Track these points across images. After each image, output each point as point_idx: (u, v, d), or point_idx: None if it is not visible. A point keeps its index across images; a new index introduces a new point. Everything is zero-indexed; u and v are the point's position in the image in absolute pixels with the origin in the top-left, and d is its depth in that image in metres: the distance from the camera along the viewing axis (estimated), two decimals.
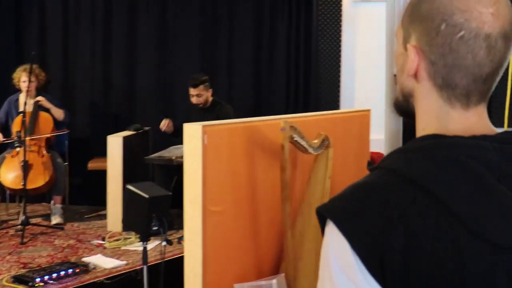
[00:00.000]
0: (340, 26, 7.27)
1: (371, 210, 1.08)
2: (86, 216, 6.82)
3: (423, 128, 1.17)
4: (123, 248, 5.55)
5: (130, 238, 5.79)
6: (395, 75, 1.62)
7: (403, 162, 1.11)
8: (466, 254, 1.04)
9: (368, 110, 6.86)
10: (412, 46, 1.15)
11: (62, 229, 6.18)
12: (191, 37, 7.42)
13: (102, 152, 7.11)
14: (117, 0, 7.44)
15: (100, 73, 7.51)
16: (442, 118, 1.15)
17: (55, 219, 6.35)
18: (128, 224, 3.62)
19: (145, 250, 3.55)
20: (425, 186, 1.06)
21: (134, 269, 4.98)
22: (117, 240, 5.76)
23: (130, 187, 3.51)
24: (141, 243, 5.59)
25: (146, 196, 3.42)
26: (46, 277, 4.55)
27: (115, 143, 6.14)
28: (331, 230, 1.11)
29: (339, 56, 7.30)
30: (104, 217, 6.78)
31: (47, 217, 6.65)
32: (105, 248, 5.53)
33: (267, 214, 5.36)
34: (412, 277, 1.05)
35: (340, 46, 7.29)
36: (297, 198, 5.48)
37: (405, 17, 1.19)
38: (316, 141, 5.39)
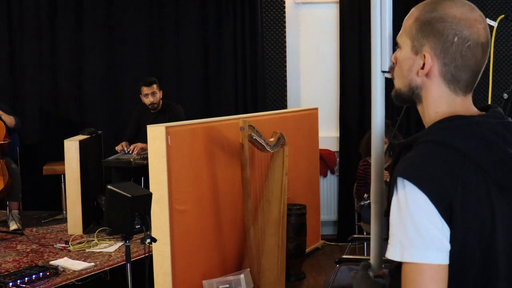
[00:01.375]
0: (284, 27, 7.48)
1: (438, 171, 1.54)
2: (43, 221, 6.83)
3: (436, 111, 1.69)
4: (87, 250, 5.62)
5: (93, 240, 5.86)
6: (383, 72, 1.93)
7: (447, 136, 1.59)
8: (492, 196, 1.57)
9: (316, 109, 7.13)
10: (427, 52, 1.66)
11: (21, 234, 6.19)
12: (137, 41, 7.48)
13: (54, 157, 7.17)
14: (62, 5, 7.42)
15: (47, 79, 7.49)
16: (450, 103, 1.68)
17: (13, 225, 6.35)
18: (111, 223, 3.72)
19: (128, 248, 3.67)
20: (466, 153, 1.56)
21: (102, 270, 5.06)
22: (80, 243, 5.82)
23: (111, 187, 3.62)
24: (104, 245, 5.74)
25: (129, 195, 3.54)
26: (18, 281, 4.60)
27: (72, 147, 6.19)
28: (412, 189, 1.54)
29: (284, 56, 7.50)
30: (61, 221, 6.83)
31: (2, 223, 6.65)
32: (69, 251, 5.59)
33: (228, 211, 5.55)
34: (465, 215, 1.54)
35: (285, 47, 7.50)
36: (256, 196, 5.68)
37: (415, 32, 1.69)
38: (272, 139, 5.61)
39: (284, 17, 7.47)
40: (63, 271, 4.98)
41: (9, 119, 6.55)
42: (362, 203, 5.78)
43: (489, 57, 1.74)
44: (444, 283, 1.54)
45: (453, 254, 1.54)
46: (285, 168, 5.77)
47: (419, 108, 1.77)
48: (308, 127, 6.94)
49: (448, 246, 1.54)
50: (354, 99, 7.39)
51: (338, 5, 7.42)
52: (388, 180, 5.30)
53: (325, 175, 7.51)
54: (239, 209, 5.62)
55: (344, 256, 4.57)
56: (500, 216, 1.59)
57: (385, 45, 1.96)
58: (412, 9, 1.75)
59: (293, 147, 5.94)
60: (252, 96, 7.42)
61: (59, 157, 7.00)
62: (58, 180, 7.04)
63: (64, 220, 6.81)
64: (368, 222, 6.10)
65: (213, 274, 5.28)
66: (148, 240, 3.82)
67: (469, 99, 1.70)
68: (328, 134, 7.51)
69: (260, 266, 5.47)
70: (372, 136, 2.06)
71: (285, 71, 7.52)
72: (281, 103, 7.52)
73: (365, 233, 6.01)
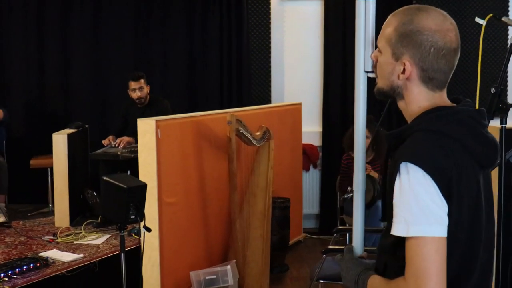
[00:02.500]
0: (269, 23, 7.58)
1: (437, 154, 1.79)
2: (29, 214, 6.87)
3: (418, 106, 1.95)
4: (75, 242, 5.69)
5: (80, 232, 5.93)
6: (366, 72, 2.14)
7: (437, 124, 1.85)
8: (477, 175, 1.86)
9: (300, 104, 7.24)
10: (407, 60, 1.91)
11: (9, 227, 6.24)
12: (124, 35, 7.54)
13: (40, 151, 7.22)
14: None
15: (34, 72, 7.53)
16: (430, 98, 1.94)
17: (0, 218, 6.39)
18: (106, 213, 3.80)
19: (122, 238, 3.74)
20: (456, 137, 1.82)
21: (92, 261, 5.14)
22: (68, 235, 5.89)
23: (107, 178, 3.70)
24: (92, 237, 5.82)
25: (125, 186, 3.62)
26: (9, 272, 4.66)
27: (60, 141, 6.24)
28: (415, 171, 1.77)
29: (269, 52, 7.61)
30: (47, 214, 6.89)
31: None
32: (57, 243, 5.65)
33: (215, 204, 5.66)
34: (460, 193, 1.79)
35: (269, 42, 7.60)
36: (242, 189, 5.78)
37: (394, 41, 1.93)
38: (258, 133, 5.72)
39: (269, 13, 7.57)
40: (53, 262, 5.04)
41: None
42: (345, 196, 5.90)
43: (478, 54, 1.96)
44: (445, 253, 1.77)
45: (449, 228, 1.79)
46: (270, 162, 5.88)
47: (400, 103, 2.01)
48: (292, 121, 7.06)
49: (446, 221, 1.79)
50: (337, 94, 7.52)
51: (322, 1, 7.54)
52: (369, 173, 5.43)
53: (307, 169, 7.63)
54: (225, 201, 5.72)
55: (330, 247, 4.67)
56: (483, 192, 1.89)
57: (368, 47, 2.14)
58: (390, 17, 1.98)
59: (277, 141, 6.05)
60: (237, 90, 7.52)
61: (46, 150, 7.06)
62: (44, 173, 7.09)
63: (50, 213, 6.88)
64: (350, 215, 6.21)
65: (200, 265, 5.37)
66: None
67: (444, 93, 1.97)
68: (311, 129, 7.63)
69: (245, 258, 5.58)
70: (355, 130, 2.24)
71: (270, 66, 7.62)
72: (265, 98, 7.63)
73: (347, 225, 6.13)
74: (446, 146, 1.81)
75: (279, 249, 6.12)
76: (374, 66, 2.07)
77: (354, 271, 2.03)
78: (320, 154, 7.61)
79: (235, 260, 5.42)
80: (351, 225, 6.05)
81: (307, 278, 6.01)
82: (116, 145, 6.56)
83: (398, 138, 1.94)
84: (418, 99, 1.94)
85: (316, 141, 7.64)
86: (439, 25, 1.90)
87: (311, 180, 7.68)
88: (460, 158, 1.82)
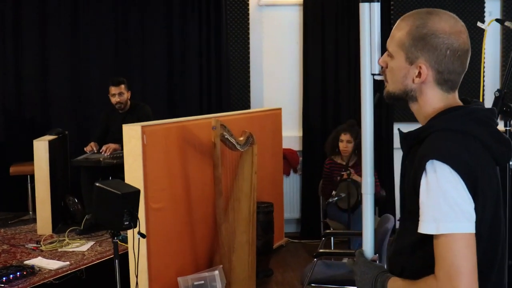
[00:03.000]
0: (248, 29, 7.60)
1: (462, 152, 1.81)
2: (10, 222, 6.80)
3: (432, 107, 1.96)
4: (60, 250, 5.64)
5: (64, 240, 5.88)
6: (373, 74, 2.15)
7: (455, 124, 1.87)
8: (495, 171, 1.92)
9: (280, 109, 7.27)
10: (423, 64, 1.93)
11: None
12: (102, 40, 7.49)
13: (18, 158, 7.15)
14: (27, 5, 7.40)
15: (11, 78, 7.45)
16: (444, 100, 1.96)
17: None
18: (100, 219, 3.77)
19: (116, 244, 3.73)
20: (475, 135, 1.86)
21: (78, 268, 5.10)
22: (51, 242, 5.84)
23: (100, 185, 3.68)
24: (76, 244, 5.78)
25: (119, 192, 3.61)
26: None
27: (41, 147, 6.18)
28: (443, 169, 1.79)
29: (248, 57, 7.62)
30: (27, 222, 6.82)
31: None
32: (42, 251, 5.60)
33: (200, 209, 5.66)
34: (484, 190, 1.83)
35: (248, 48, 7.61)
36: (227, 194, 5.78)
37: (408, 45, 1.94)
38: (241, 138, 5.73)
39: (248, 18, 7.60)
40: (39, 270, 5.00)
41: None
42: (330, 200, 5.94)
43: (481, 59, 2.00)
44: (475, 249, 1.79)
45: (476, 224, 1.81)
46: (254, 167, 5.89)
47: (412, 106, 2.03)
48: (272, 126, 7.08)
49: (474, 217, 1.80)
50: (316, 99, 7.55)
51: (301, 7, 7.57)
52: (352, 178, 5.46)
53: (288, 174, 7.65)
54: (210, 207, 5.72)
55: (321, 250, 4.71)
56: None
57: (375, 50, 2.15)
58: (400, 22, 2.00)
59: (258, 146, 6.04)
60: (217, 95, 7.52)
61: (25, 157, 7.00)
62: (24, 180, 7.01)
63: (31, 220, 6.82)
64: (334, 219, 6.29)
65: (187, 271, 5.36)
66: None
67: (457, 94, 2.00)
68: (291, 134, 7.65)
69: (231, 263, 5.58)
70: (362, 133, 2.25)
71: (249, 71, 7.64)
72: (245, 103, 7.64)
73: (331, 229, 6.18)
74: (469, 144, 1.84)
75: (264, 254, 6.13)
76: (383, 71, 2.07)
77: (370, 274, 2.02)
78: (300, 158, 7.64)
79: (221, 266, 5.42)
80: (335, 228, 6.12)
81: (292, 282, 6.04)
82: (102, 152, 6.49)
83: (415, 139, 1.95)
84: (433, 101, 1.96)
85: (296, 145, 7.67)
86: (452, 27, 1.92)
87: (291, 185, 7.71)
88: (482, 156, 1.85)
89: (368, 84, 2.18)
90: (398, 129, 2.21)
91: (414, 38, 1.93)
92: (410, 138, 1.98)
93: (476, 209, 1.81)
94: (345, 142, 6.32)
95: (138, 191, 3.78)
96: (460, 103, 1.98)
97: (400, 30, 1.98)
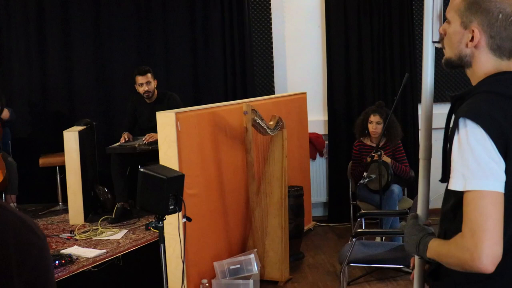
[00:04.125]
0: (270, 14, 7.60)
1: (495, 113, 1.83)
2: (40, 213, 6.84)
3: (484, 72, 1.98)
4: (94, 238, 5.68)
5: (97, 229, 5.92)
6: (433, 42, 2.22)
7: (497, 86, 1.92)
8: None
9: (304, 93, 7.29)
10: (476, 28, 1.96)
11: (38, 228, 6.19)
12: (125, 31, 7.49)
13: (47, 149, 7.20)
14: None
15: (36, 71, 7.46)
16: (496, 66, 1.98)
17: None
18: (144, 205, 3.78)
19: (161, 229, 3.75)
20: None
21: (115, 256, 5.14)
22: (85, 232, 5.88)
23: (144, 170, 3.70)
24: (110, 233, 5.81)
25: (164, 177, 3.62)
26: None
27: (71, 138, 6.21)
28: (473, 127, 1.82)
29: (271, 43, 7.62)
30: (57, 212, 6.87)
31: None
32: (76, 240, 5.64)
33: (232, 195, 5.68)
34: None
35: (271, 33, 7.61)
36: (259, 178, 5.81)
37: (463, 10, 1.99)
38: (271, 122, 5.75)
39: (270, 4, 7.59)
40: (77, 259, 5.03)
41: (4, 112, 6.55)
42: (361, 182, 5.94)
43: None
44: (501, 207, 1.79)
45: (507, 185, 1.81)
46: (284, 151, 5.91)
47: (467, 71, 2.06)
48: (298, 111, 7.09)
49: (503, 177, 1.81)
50: (340, 83, 7.54)
51: None
52: (383, 159, 5.51)
53: (314, 158, 7.66)
54: (242, 192, 5.74)
55: (359, 230, 4.72)
56: None
57: (436, 19, 2.22)
58: None
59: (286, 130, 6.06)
60: (241, 82, 7.52)
61: (52, 149, 7.05)
62: (52, 172, 7.05)
63: (61, 211, 6.87)
64: (365, 200, 6.30)
65: (221, 256, 5.39)
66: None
67: (510, 62, 2.00)
68: (316, 118, 7.66)
69: (264, 246, 5.61)
70: (422, 97, 2.29)
71: (272, 57, 7.64)
72: (269, 89, 7.65)
73: (362, 210, 6.18)
74: (506, 107, 1.86)
75: (295, 237, 6.15)
76: (442, 38, 2.12)
77: (416, 236, 2.05)
78: (326, 142, 7.64)
79: (256, 249, 5.44)
80: (365, 209, 6.12)
81: (323, 264, 6.06)
82: (144, 141, 6.46)
83: (461, 100, 2.00)
84: (485, 66, 1.99)
85: (321, 130, 7.68)
86: None
87: (318, 169, 7.72)
88: None
89: (430, 52, 2.25)
90: (447, 93, 2.26)
91: (469, 2, 1.98)
92: (456, 98, 2.03)
93: (508, 169, 1.82)
94: (374, 124, 6.32)
95: (182, 175, 3.80)
96: None
97: None
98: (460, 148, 1.84)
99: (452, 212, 1.96)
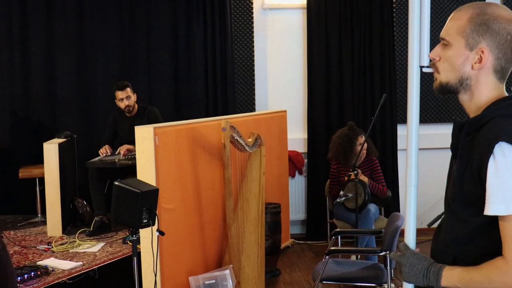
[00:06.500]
0: (252, 32, 7.68)
1: None
2: (19, 224, 6.85)
3: (487, 96, 2.01)
4: (71, 250, 5.70)
5: (75, 241, 5.94)
6: (421, 67, 2.16)
7: None
8: None
9: (285, 111, 7.35)
10: (484, 48, 1.98)
11: (1, 237, 6.21)
12: (108, 44, 7.54)
13: (27, 161, 7.21)
14: (34, 7, 7.43)
15: (19, 82, 7.49)
16: (496, 89, 2.01)
17: None
18: (118, 218, 3.82)
19: (134, 242, 3.79)
20: None
21: (91, 268, 5.16)
22: (62, 244, 5.90)
23: (119, 183, 3.75)
24: (87, 245, 5.83)
25: (138, 191, 3.67)
26: None
27: (51, 150, 6.24)
28: (511, 151, 1.82)
29: (253, 60, 7.69)
30: (36, 224, 6.88)
31: None
32: (53, 252, 5.66)
33: (210, 210, 5.72)
34: None
35: (253, 51, 7.69)
36: (236, 194, 5.85)
37: (469, 31, 1.99)
38: (250, 139, 5.80)
39: (252, 22, 7.67)
40: (53, 270, 5.06)
41: None
42: (338, 200, 5.99)
43: None
44: None
45: None
46: (262, 168, 5.96)
47: (463, 96, 2.06)
48: (278, 129, 7.15)
49: None
50: (321, 101, 7.62)
51: (305, 11, 7.65)
52: (360, 178, 5.55)
53: (293, 176, 7.72)
54: (219, 207, 5.78)
55: (333, 248, 4.78)
56: None
57: (424, 42, 2.17)
58: (457, 12, 2.05)
59: (265, 148, 6.12)
60: (222, 98, 7.58)
61: (32, 160, 7.06)
62: (32, 183, 7.07)
63: (40, 223, 6.89)
64: (341, 219, 6.36)
65: (197, 271, 5.42)
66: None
67: (504, 86, 2.06)
68: (296, 136, 7.73)
69: (240, 263, 5.65)
70: (408, 125, 2.21)
71: (253, 74, 7.71)
72: (250, 106, 7.71)
73: (337, 229, 6.24)
74: None
75: (271, 254, 6.19)
76: (433, 63, 2.10)
77: (421, 265, 2.02)
78: (306, 160, 7.71)
79: (232, 265, 5.48)
80: (341, 228, 6.18)
81: (299, 281, 6.11)
82: (117, 153, 6.53)
83: (474, 126, 1.97)
84: (488, 89, 2.01)
85: (301, 147, 7.75)
86: (510, 15, 2.00)
87: (297, 186, 7.78)
88: None
89: (415, 76, 2.19)
90: (454, 118, 2.24)
91: (476, 24, 1.99)
92: (469, 125, 1.99)
93: None
94: (363, 145, 6.29)
95: (156, 190, 3.85)
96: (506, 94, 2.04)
97: (459, 19, 2.03)
98: (499, 172, 1.83)
99: (467, 238, 1.95)
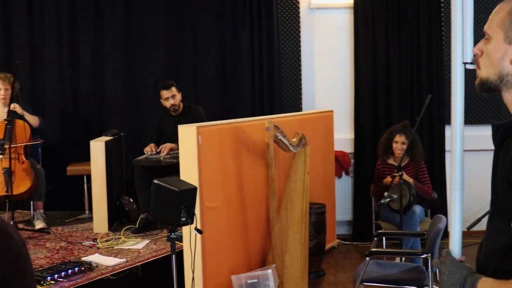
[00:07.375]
0: (299, 32, 7.66)
1: None
2: (67, 220, 6.96)
3: None
4: (116, 247, 5.76)
5: (120, 238, 6.01)
6: (464, 63, 2.07)
7: None
8: None
9: (331, 111, 7.31)
10: None
11: (48, 233, 6.33)
12: (156, 45, 7.62)
13: (75, 158, 7.31)
14: (82, 7, 7.56)
15: (68, 81, 7.61)
16: None
17: (39, 224, 6.47)
18: (157, 216, 3.86)
19: (173, 240, 3.81)
20: None
21: (134, 265, 5.20)
22: (107, 240, 5.97)
23: (158, 182, 3.78)
24: (132, 242, 5.89)
25: (176, 189, 3.69)
26: (56, 276, 4.74)
27: (98, 148, 6.32)
28: None
29: (299, 60, 7.68)
30: (84, 220, 6.98)
31: (27, 223, 6.77)
32: (98, 248, 5.73)
33: (253, 209, 5.72)
34: None
35: (299, 51, 7.67)
36: (280, 194, 5.84)
37: (508, 24, 1.83)
38: (294, 139, 5.78)
39: (299, 21, 7.66)
40: (97, 266, 5.12)
41: (33, 120, 6.66)
42: (382, 201, 5.94)
43: None
44: None
45: None
46: (307, 168, 5.93)
47: (505, 94, 1.89)
48: (324, 128, 7.11)
49: None
50: (368, 101, 7.56)
51: (352, 10, 7.60)
52: (404, 179, 5.47)
53: (339, 176, 7.68)
54: (263, 207, 5.78)
55: (374, 249, 4.73)
56: None
57: (467, 38, 2.08)
58: (501, 5, 1.89)
59: (310, 149, 6.09)
60: (269, 99, 7.58)
61: (80, 158, 7.16)
62: (79, 180, 7.17)
63: (87, 219, 6.97)
64: (386, 220, 6.30)
65: (240, 270, 5.43)
66: (195, 232, 3.96)
67: None
68: (343, 136, 7.68)
69: (283, 262, 5.63)
70: (452, 125, 2.17)
71: (300, 74, 7.70)
72: (296, 106, 7.69)
73: (383, 229, 6.19)
74: None
75: (316, 254, 6.17)
76: (476, 59, 1.96)
77: (459, 274, 1.90)
78: (352, 161, 7.66)
79: (275, 265, 5.47)
80: (387, 230, 6.12)
81: (344, 283, 6.06)
82: (159, 152, 6.60)
83: (509, 130, 1.86)
84: None
85: (348, 148, 7.70)
86: None
87: (343, 187, 7.73)
88: None
89: (459, 73, 2.11)
90: (492, 122, 2.08)
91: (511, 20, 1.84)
92: (504, 129, 1.88)
93: None
94: (399, 144, 6.33)
95: (195, 188, 3.87)
96: None
97: (501, 11, 1.88)
98: None
99: (504, 251, 1.80)
